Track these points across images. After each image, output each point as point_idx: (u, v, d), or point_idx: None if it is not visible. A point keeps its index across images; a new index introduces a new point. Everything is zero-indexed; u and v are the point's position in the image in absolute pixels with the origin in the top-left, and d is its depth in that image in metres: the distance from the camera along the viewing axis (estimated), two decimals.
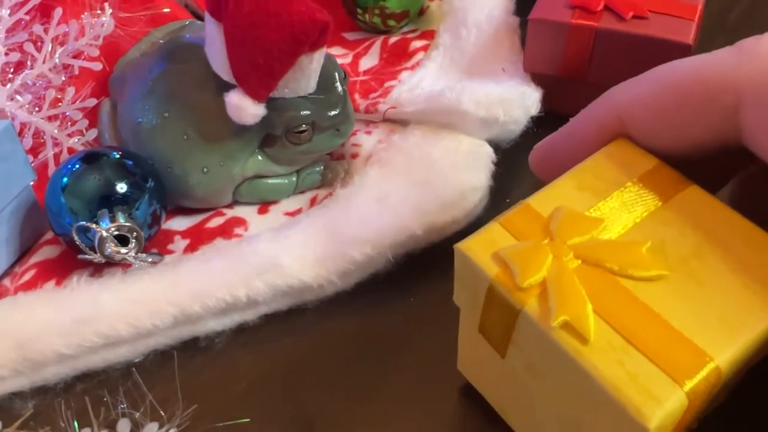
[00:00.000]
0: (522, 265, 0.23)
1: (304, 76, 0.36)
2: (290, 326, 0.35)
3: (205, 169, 0.37)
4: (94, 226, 0.33)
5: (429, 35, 0.47)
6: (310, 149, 0.38)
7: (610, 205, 0.25)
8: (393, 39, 0.47)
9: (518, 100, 0.37)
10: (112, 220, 0.34)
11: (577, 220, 0.24)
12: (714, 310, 0.22)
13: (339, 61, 0.39)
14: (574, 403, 0.23)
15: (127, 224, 0.33)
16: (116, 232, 0.33)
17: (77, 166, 0.35)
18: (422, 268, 0.36)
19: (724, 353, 0.21)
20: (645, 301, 0.22)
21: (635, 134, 0.26)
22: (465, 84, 0.38)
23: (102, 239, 0.33)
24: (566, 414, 0.24)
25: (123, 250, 0.33)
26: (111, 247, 0.33)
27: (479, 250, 0.24)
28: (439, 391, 0.32)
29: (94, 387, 0.34)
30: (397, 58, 0.46)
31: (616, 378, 0.21)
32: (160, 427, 0.32)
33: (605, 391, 0.21)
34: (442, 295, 0.36)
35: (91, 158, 0.36)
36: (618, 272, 0.23)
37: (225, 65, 0.35)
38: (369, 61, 0.47)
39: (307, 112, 0.36)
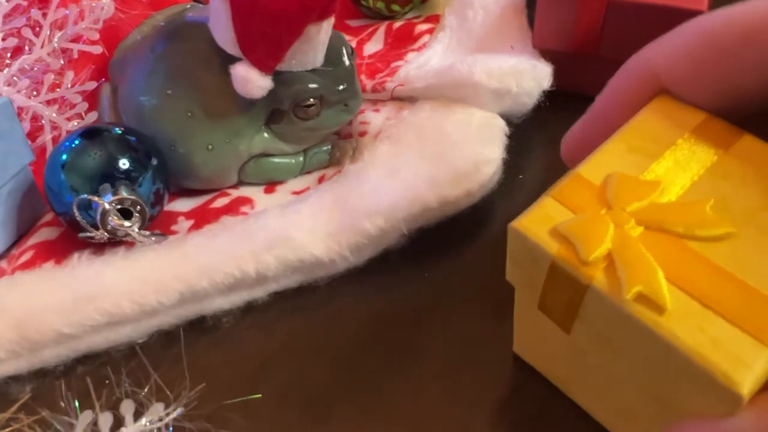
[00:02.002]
0: (584, 239, 0.22)
1: (312, 47, 0.35)
2: (300, 305, 0.34)
3: (210, 147, 0.36)
4: (96, 198, 0.32)
5: (434, 19, 0.46)
6: (318, 125, 0.37)
7: (664, 166, 0.24)
8: (397, 24, 0.47)
9: (530, 72, 0.36)
10: (115, 194, 0.32)
11: (633, 185, 0.23)
12: None
13: None
14: (654, 376, 0.22)
15: (131, 197, 0.32)
16: (119, 206, 0.32)
17: (77, 142, 0.34)
18: (435, 242, 0.35)
19: None
20: (716, 262, 0.21)
21: (676, 91, 0.25)
22: (476, 57, 0.37)
23: (104, 212, 0.32)
24: (647, 387, 0.23)
25: (126, 224, 0.32)
26: (114, 220, 0.32)
27: (535, 227, 0.23)
28: (458, 368, 0.31)
29: (96, 369, 0.32)
30: (402, 42, 0.45)
31: (700, 345, 0.20)
32: (166, 407, 0.30)
33: (690, 360, 0.20)
34: (457, 269, 0.35)
35: (91, 134, 0.34)
36: (684, 235, 0.22)
37: (231, 38, 0.34)
38: (373, 46, 0.46)
39: (315, 86, 0.36)
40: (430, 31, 0.45)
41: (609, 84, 0.27)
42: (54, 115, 0.41)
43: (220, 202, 0.37)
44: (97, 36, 0.42)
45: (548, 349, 0.27)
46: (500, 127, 0.36)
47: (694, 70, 0.24)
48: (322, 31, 0.34)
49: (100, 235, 0.33)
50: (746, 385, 0.19)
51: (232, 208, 0.37)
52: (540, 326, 0.26)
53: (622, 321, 0.21)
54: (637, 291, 0.21)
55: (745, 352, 0.19)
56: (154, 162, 0.35)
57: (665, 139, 0.24)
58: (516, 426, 0.29)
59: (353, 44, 0.46)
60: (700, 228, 0.22)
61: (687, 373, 0.20)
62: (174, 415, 0.30)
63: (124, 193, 0.32)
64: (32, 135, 0.40)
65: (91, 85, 0.41)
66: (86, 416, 0.30)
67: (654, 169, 0.24)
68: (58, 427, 0.30)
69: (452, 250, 0.35)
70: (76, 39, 0.42)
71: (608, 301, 0.21)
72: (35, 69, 0.41)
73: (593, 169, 0.24)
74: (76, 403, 0.30)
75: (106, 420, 0.30)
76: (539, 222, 0.23)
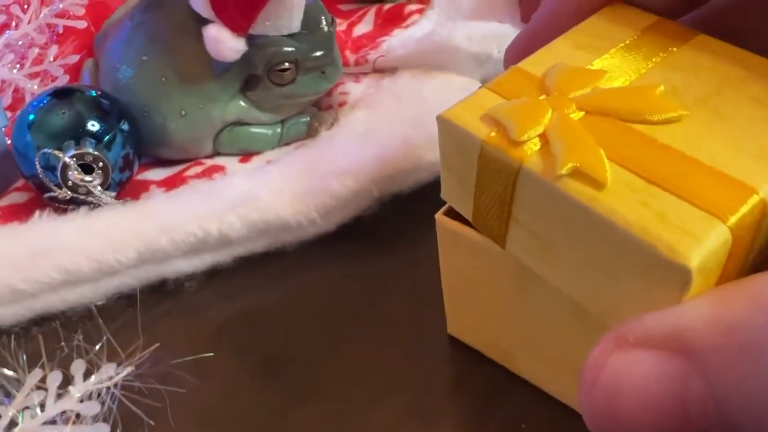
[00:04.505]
0: (517, 120, 0.20)
1: (286, 9, 0.34)
2: (267, 271, 0.33)
3: (183, 112, 0.36)
4: (57, 153, 0.31)
5: (425, 1, 0.46)
6: (294, 92, 0.36)
7: (610, 62, 0.21)
8: (387, 6, 0.46)
9: (513, 36, 0.35)
10: (78, 150, 0.32)
11: (577, 74, 0.21)
12: (747, 142, 0.18)
13: None
14: (597, 278, 0.19)
15: (93, 153, 0.31)
16: (80, 162, 0.31)
17: (46, 100, 0.34)
18: (410, 212, 0.33)
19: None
20: (664, 142, 0.19)
21: None
22: (456, 22, 0.36)
23: (65, 166, 0.31)
24: (591, 297, 0.19)
25: (87, 178, 0.31)
26: (74, 175, 0.31)
27: (466, 115, 0.21)
28: (422, 334, 0.29)
29: (51, 330, 0.31)
30: (391, 23, 0.44)
31: (642, 219, 0.17)
32: (118, 366, 0.29)
33: (630, 236, 0.17)
34: (431, 240, 0.33)
35: (62, 93, 0.34)
36: (629, 118, 0.19)
37: (204, 0, 0.34)
38: (363, 27, 0.45)
39: (290, 49, 0.35)
40: (420, 12, 0.44)
41: None
42: (36, 87, 0.40)
43: (194, 170, 0.37)
44: (82, 11, 0.42)
45: (484, 311, 0.26)
46: None
47: None
48: None
49: (63, 193, 0.32)
50: (695, 259, 0.16)
51: (206, 177, 0.36)
52: (472, 279, 0.24)
53: (556, 205, 0.18)
54: (572, 166, 0.18)
55: (693, 224, 0.16)
56: (125, 126, 0.34)
57: (615, 37, 0.22)
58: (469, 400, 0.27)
59: (343, 27, 0.46)
60: (647, 112, 0.19)
61: (629, 257, 0.17)
62: (124, 374, 0.28)
63: (88, 148, 0.31)
64: (13, 107, 0.40)
65: (74, 59, 0.41)
66: (35, 374, 0.29)
67: (599, 64, 0.21)
68: (4, 384, 0.28)
69: (426, 220, 0.34)
70: (61, 14, 0.42)
71: (541, 183, 0.19)
72: (20, 43, 0.41)
73: (535, 63, 0.22)
74: (24, 358, 0.29)
75: (54, 378, 0.29)
76: (471, 110, 0.21)
